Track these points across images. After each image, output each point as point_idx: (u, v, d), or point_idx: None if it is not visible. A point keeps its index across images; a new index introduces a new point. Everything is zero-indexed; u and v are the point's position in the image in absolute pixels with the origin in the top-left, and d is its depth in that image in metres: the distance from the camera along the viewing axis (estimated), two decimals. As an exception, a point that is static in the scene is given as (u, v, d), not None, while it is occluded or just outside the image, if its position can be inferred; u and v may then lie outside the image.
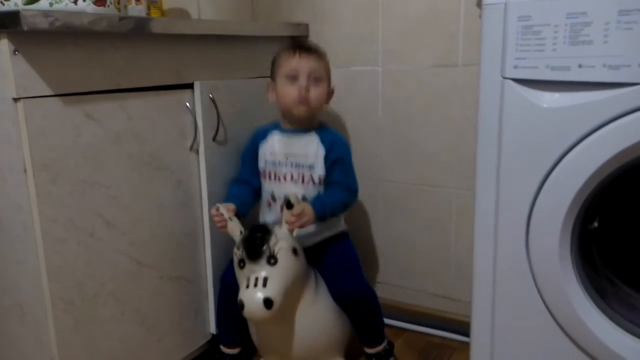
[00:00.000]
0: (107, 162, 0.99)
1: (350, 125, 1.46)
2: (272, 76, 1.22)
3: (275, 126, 1.24)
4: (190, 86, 1.15)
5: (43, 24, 0.83)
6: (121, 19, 0.97)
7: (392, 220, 1.47)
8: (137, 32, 1.00)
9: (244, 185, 1.23)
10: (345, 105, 1.46)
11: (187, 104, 1.15)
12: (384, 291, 1.51)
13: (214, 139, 1.20)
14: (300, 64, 1.15)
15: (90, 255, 0.98)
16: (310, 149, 1.18)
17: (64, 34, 0.90)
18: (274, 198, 1.21)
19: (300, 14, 1.49)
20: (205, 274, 1.24)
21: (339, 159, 1.17)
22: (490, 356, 0.95)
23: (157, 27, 1.04)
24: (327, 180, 1.18)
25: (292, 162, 1.19)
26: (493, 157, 0.87)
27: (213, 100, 1.18)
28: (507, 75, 0.83)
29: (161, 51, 1.08)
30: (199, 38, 1.16)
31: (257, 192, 1.24)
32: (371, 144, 1.45)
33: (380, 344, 1.23)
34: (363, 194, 1.47)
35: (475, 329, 0.96)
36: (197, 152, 1.18)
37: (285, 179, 1.19)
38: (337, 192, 1.16)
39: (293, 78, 1.15)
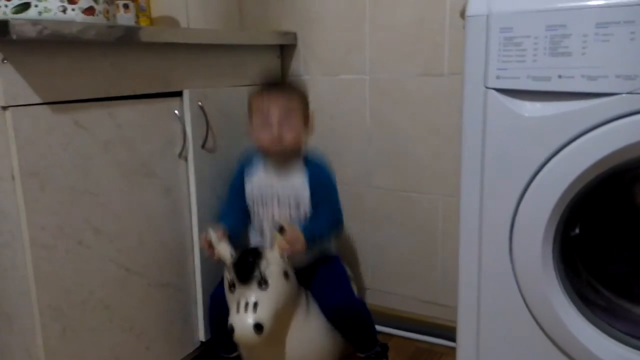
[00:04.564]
0: (95, 170, 1.00)
1: (338, 133, 1.48)
2: (249, 117, 1.22)
3: (261, 156, 1.25)
4: (179, 94, 1.16)
5: (32, 32, 0.84)
6: (110, 27, 0.97)
7: (379, 226, 1.49)
8: (126, 40, 1.01)
9: (233, 211, 1.22)
10: (333, 113, 1.47)
11: (176, 111, 1.15)
12: (371, 297, 1.52)
13: (203, 146, 1.21)
14: (269, 106, 1.15)
15: (78, 263, 0.98)
16: (296, 179, 1.19)
17: (53, 43, 0.91)
18: (262, 229, 1.22)
19: (289, 23, 1.50)
20: (194, 281, 1.24)
21: (323, 188, 1.19)
22: (475, 361, 0.96)
23: (145, 35, 1.04)
24: (313, 208, 1.19)
25: (278, 193, 1.20)
26: (477, 164, 0.88)
27: (202, 108, 1.19)
28: (489, 85, 0.85)
29: (150, 59, 1.09)
30: (188, 46, 1.17)
31: (246, 216, 1.24)
32: (359, 151, 1.47)
33: (372, 348, 1.24)
34: (351, 200, 1.48)
35: (460, 334, 0.97)
36: (186, 159, 1.19)
37: (273, 209, 1.20)
38: (323, 219, 1.17)
39: (265, 121, 1.16)
